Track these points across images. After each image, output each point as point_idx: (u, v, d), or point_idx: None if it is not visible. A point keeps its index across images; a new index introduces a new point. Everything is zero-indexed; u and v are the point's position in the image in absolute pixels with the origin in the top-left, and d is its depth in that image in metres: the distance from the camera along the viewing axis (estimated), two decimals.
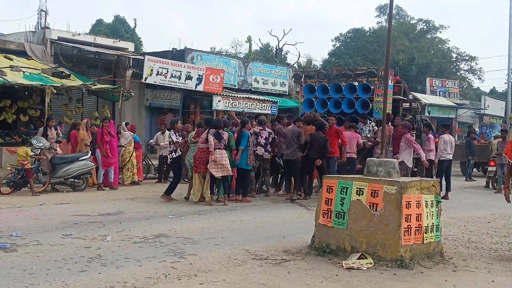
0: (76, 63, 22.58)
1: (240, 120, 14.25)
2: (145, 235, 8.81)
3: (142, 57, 23.13)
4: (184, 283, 6.14)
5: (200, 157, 12.79)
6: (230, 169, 12.78)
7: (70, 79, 20.18)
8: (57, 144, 15.42)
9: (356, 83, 17.91)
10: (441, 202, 7.76)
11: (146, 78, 22.13)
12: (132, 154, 16.60)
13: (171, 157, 13.92)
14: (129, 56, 24.14)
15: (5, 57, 20.18)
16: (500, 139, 18.96)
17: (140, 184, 16.85)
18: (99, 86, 20.24)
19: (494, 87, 69.73)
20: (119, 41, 26.45)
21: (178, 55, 25.63)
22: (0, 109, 19.51)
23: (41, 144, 14.47)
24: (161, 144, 17.54)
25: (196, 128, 14.15)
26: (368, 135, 16.15)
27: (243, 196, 13.51)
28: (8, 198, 12.89)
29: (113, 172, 15.35)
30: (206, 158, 12.68)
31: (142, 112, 24.93)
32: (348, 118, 16.66)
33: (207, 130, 12.79)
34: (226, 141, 12.76)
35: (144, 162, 18.31)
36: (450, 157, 16.00)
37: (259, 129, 14.36)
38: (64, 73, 20.48)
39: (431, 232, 7.43)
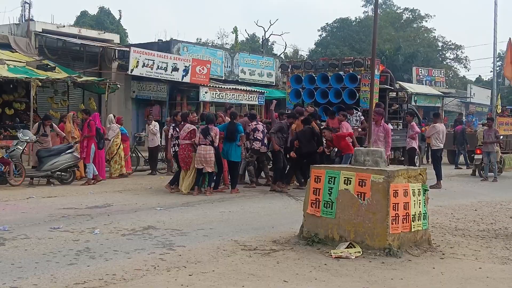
0: (61, 56, 22.39)
1: (229, 113, 14.19)
2: (133, 227, 8.79)
3: (127, 49, 22.98)
4: (173, 274, 6.14)
5: (183, 154, 12.88)
6: (213, 165, 12.87)
7: (55, 72, 20.02)
8: (46, 138, 15.25)
9: (343, 73, 17.95)
10: (428, 190, 7.81)
11: (132, 70, 22.01)
12: (119, 147, 16.51)
13: (174, 150, 13.72)
14: (115, 48, 23.99)
15: None
16: (486, 127, 19.07)
17: (128, 176, 16.79)
18: (84, 78, 20.09)
19: (480, 75, 70.31)
20: (104, 33, 26.24)
21: (164, 46, 25.49)
22: None
23: (27, 138, 14.36)
24: (148, 135, 17.57)
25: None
26: (355, 125, 16.17)
27: (232, 188, 13.51)
28: None
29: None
30: (189, 155, 12.80)
31: (128, 104, 24.79)
32: (334, 109, 16.70)
33: (185, 125, 12.92)
34: (215, 138, 12.78)
35: (133, 154, 18.25)
36: (442, 146, 16.13)
37: (254, 125, 14.35)
38: (49, 65, 20.31)
39: (418, 220, 7.49)
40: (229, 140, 13.40)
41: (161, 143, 17.92)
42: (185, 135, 12.96)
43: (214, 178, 13.28)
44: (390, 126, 14.10)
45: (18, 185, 13.61)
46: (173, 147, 13.78)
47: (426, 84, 41.87)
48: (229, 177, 13.86)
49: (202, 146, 12.67)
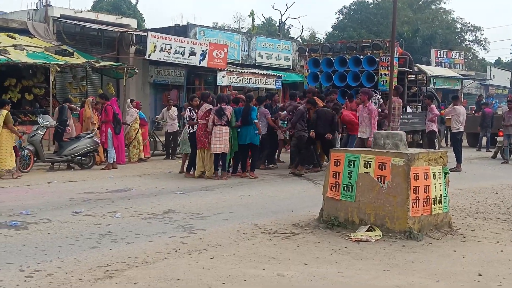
0: (79, 41, 22.48)
1: (245, 96, 14.15)
2: (154, 211, 8.86)
3: (145, 34, 22.97)
4: (194, 257, 6.19)
5: (200, 133, 12.85)
6: (228, 146, 12.83)
7: (73, 57, 20.13)
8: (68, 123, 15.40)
9: (361, 56, 17.81)
10: (448, 173, 7.77)
11: (149, 55, 22.01)
12: (137, 132, 16.61)
13: (189, 131, 13.50)
14: (132, 32, 24.01)
15: (8, 35, 20.10)
16: (507, 109, 18.87)
17: (147, 161, 16.89)
18: (102, 63, 20.17)
19: (499, 57, 69.31)
20: (122, 17, 26.28)
21: (181, 31, 25.42)
22: (5, 88, 19.47)
23: (47, 123, 14.49)
24: (167, 121, 17.61)
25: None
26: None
27: (251, 171, 13.49)
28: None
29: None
30: (206, 135, 12.76)
31: (146, 89, 24.84)
32: (353, 92, 16.60)
33: (203, 105, 12.88)
34: (229, 117, 12.75)
35: (151, 139, 18.34)
36: (462, 128, 16.02)
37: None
38: (68, 50, 20.43)
39: (439, 203, 7.45)
40: (245, 123, 13.25)
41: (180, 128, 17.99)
42: (202, 114, 12.91)
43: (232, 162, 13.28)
44: (374, 107, 13.70)
45: (27, 171, 13.52)
46: (189, 128, 13.52)
47: (445, 67, 41.39)
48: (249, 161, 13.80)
49: (218, 126, 12.66)
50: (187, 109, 13.71)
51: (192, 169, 13.43)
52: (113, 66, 20.28)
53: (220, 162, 13.04)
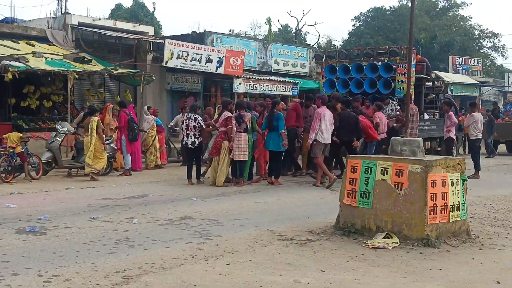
0: (97, 48, 22.65)
1: (271, 101, 13.89)
2: (170, 217, 8.89)
3: (162, 41, 23.11)
4: (211, 263, 6.20)
5: (217, 140, 12.85)
6: (247, 153, 12.83)
7: (91, 64, 20.29)
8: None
9: (378, 63, 17.78)
10: (467, 180, 7.71)
11: (166, 62, 22.12)
12: (154, 138, 16.70)
13: (199, 141, 13.25)
14: (150, 40, 24.16)
15: (27, 43, 20.33)
16: None
17: (163, 167, 16.97)
18: (120, 70, 20.30)
19: None
20: (139, 25, 26.44)
21: (198, 38, 25.54)
22: (24, 95, 19.67)
23: (65, 129, 14.63)
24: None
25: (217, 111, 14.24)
26: (391, 114, 16.03)
27: (275, 178, 13.29)
28: (35, 182, 13.05)
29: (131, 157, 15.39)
30: (221, 142, 12.77)
31: (163, 96, 24.97)
32: (370, 99, 16.57)
33: (223, 113, 12.88)
34: (248, 124, 12.76)
35: (166, 146, 18.42)
36: (481, 135, 15.91)
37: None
38: (86, 58, 20.60)
39: (457, 210, 7.40)
40: (269, 129, 13.13)
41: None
42: (221, 122, 12.92)
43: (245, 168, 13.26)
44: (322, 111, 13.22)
45: (37, 179, 13.48)
46: (197, 139, 13.18)
47: (462, 73, 41.13)
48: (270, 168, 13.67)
49: (237, 133, 12.69)
50: (198, 117, 13.40)
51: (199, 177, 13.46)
52: (130, 73, 20.41)
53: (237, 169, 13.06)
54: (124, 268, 5.95)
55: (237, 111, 12.93)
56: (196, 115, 13.37)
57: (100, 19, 24.43)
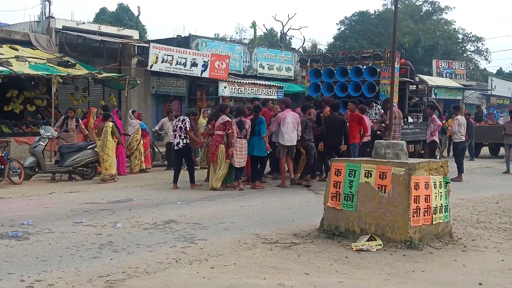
0: (81, 52, 22.57)
1: (253, 105, 13.98)
2: (155, 221, 8.87)
3: (147, 45, 23.07)
4: (195, 267, 6.19)
5: (213, 144, 12.77)
6: (246, 159, 12.91)
7: (75, 68, 20.20)
8: (69, 133, 15.49)
9: (362, 66, 17.88)
10: (449, 182, 7.78)
11: (151, 66, 22.09)
12: (139, 142, 16.64)
13: (186, 142, 13.18)
14: (134, 44, 24.11)
15: (10, 47, 20.19)
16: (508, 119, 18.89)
17: (148, 171, 16.91)
18: (104, 74, 20.25)
19: (501, 67, 69.41)
20: (124, 29, 26.39)
21: (183, 42, 25.56)
22: (8, 100, 19.56)
23: (49, 134, 14.54)
24: (169, 131, 17.62)
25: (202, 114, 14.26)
26: (374, 118, 16.11)
27: (258, 181, 13.33)
28: (18, 187, 12.95)
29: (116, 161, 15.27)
30: (218, 146, 12.65)
31: (148, 100, 24.92)
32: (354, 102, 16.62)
33: (221, 116, 12.82)
34: (248, 130, 12.77)
35: (151, 150, 18.36)
36: (464, 138, 16.03)
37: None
38: (70, 62, 20.50)
39: (440, 213, 7.45)
40: (252, 134, 13.11)
41: None
42: (219, 125, 12.86)
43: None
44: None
45: (19, 184, 13.33)
46: (182, 140, 13.14)
47: (446, 77, 41.48)
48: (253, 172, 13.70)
49: (237, 139, 12.68)
50: (186, 119, 13.45)
51: (193, 181, 13.38)
52: (115, 77, 20.36)
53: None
54: (107, 273, 5.92)
55: (238, 116, 12.90)
56: (185, 117, 13.38)
57: (84, 23, 24.32)
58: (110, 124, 14.37)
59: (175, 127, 13.42)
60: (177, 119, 13.66)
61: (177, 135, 13.24)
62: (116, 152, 15.09)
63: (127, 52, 24.00)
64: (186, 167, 13.85)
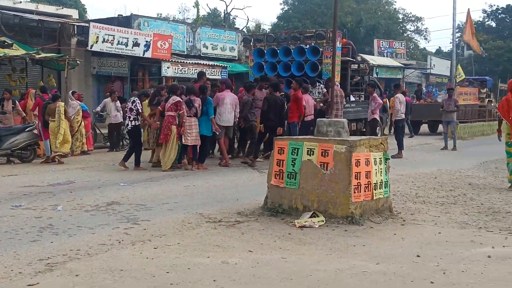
0: (18, 32, 21.79)
1: (199, 86, 13.85)
2: (97, 203, 8.73)
3: (87, 24, 22.49)
4: (138, 248, 6.14)
5: (164, 126, 12.59)
6: (199, 137, 12.83)
7: (12, 49, 19.50)
8: (6, 115, 15.02)
9: (305, 46, 17.97)
10: (389, 159, 7.95)
11: (91, 46, 21.58)
12: (80, 124, 16.29)
13: (134, 124, 13.04)
14: (74, 23, 23.46)
15: None
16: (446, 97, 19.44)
17: (89, 153, 16.62)
18: (43, 55, 19.66)
19: (439, 47, 71.22)
20: (62, 8, 25.61)
21: (124, 21, 25.03)
22: None
23: None
24: (111, 112, 17.35)
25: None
26: (317, 97, 16.26)
27: (200, 163, 13.25)
28: None
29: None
30: (170, 127, 12.50)
31: (89, 81, 24.39)
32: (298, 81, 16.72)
33: (172, 97, 12.66)
34: (198, 109, 12.68)
35: (92, 131, 18.03)
36: (404, 116, 16.42)
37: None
38: (6, 42, 19.78)
39: (380, 188, 7.62)
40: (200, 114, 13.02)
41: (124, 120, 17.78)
42: (169, 106, 12.68)
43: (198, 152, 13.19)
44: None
45: None
46: (131, 121, 13.01)
47: (387, 56, 42.22)
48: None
49: (187, 118, 12.59)
50: (136, 100, 13.29)
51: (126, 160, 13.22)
52: (54, 57, 19.80)
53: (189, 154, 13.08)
54: (48, 256, 5.81)
55: (187, 95, 12.79)
56: (135, 98, 13.27)
57: (21, 1, 23.43)
58: (62, 103, 14.37)
59: (126, 109, 13.29)
60: (128, 100, 13.49)
61: (127, 117, 13.18)
62: (47, 135, 14.66)
63: (66, 32, 23.35)
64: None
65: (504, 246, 6.26)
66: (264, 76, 16.91)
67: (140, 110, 12.97)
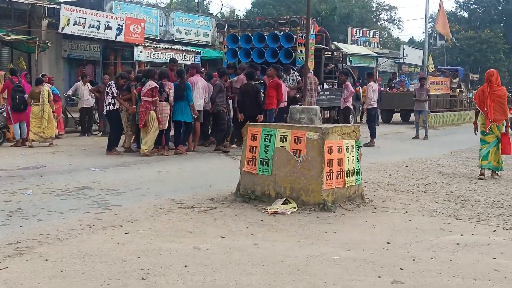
0: None
1: (177, 71, 13.79)
2: (67, 187, 8.64)
3: (57, 7, 22.12)
4: (109, 233, 6.09)
5: (141, 111, 12.46)
6: (167, 122, 12.73)
7: None
8: None
9: (279, 33, 17.94)
10: (361, 147, 8.00)
11: (63, 28, 21.27)
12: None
13: (109, 109, 13.03)
14: (44, 5, 23.04)
15: None
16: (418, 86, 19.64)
17: (61, 137, 16.40)
18: (13, 37, 19.31)
19: (412, 36, 71.81)
20: None
21: (96, 4, 24.64)
22: None
23: None
24: (83, 96, 17.16)
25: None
26: (291, 85, 16.27)
27: (181, 145, 13.27)
28: None
29: (25, 127, 14.66)
30: (146, 113, 12.38)
31: (60, 64, 24.03)
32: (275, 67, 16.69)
33: (148, 82, 12.50)
34: (169, 93, 12.58)
35: (63, 115, 17.79)
36: (376, 104, 16.54)
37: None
38: None
39: (352, 176, 7.67)
40: (179, 99, 12.95)
41: (95, 104, 17.61)
42: (146, 91, 12.51)
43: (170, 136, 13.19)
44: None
45: None
46: (107, 106, 13.07)
47: (360, 45, 42.45)
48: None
49: (159, 103, 12.52)
50: (111, 84, 13.13)
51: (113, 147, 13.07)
52: (24, 39, 19.46)
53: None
54: (17, 240, 5.73)
55: (160, 80, 12.69)
56: (111, 82, 13.23)
57: None
58: (46, 88, 14.58)
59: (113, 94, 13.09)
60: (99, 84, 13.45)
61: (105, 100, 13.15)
62: (20, 118, 14.43)
63: (37, 13, 22.97)
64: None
65: (472, 234, 6.36)
66: (231, 64, 16.70)
67: (115, 94, 12.82)
